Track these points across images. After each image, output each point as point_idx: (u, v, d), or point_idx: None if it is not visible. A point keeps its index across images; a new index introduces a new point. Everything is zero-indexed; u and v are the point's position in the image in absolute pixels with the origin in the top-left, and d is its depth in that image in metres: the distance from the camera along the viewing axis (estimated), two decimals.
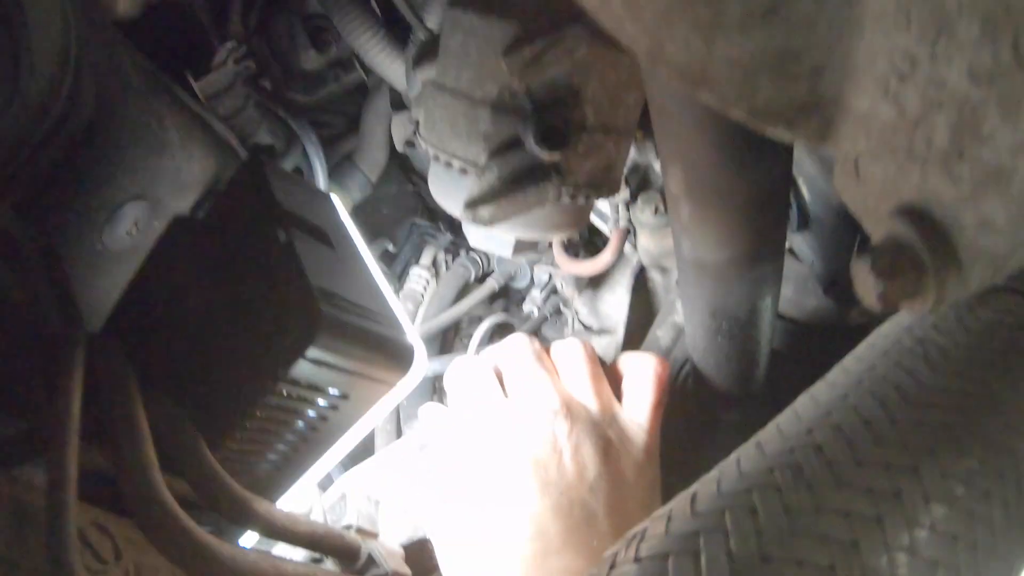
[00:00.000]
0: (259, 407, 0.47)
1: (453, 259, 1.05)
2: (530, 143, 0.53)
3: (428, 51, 0.64)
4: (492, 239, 0.66)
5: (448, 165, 0.60)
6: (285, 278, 0.48)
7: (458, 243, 1.09)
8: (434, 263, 1.05)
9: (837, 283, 0.76)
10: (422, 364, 0.51)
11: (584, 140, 0.57)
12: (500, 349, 0.60)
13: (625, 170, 0.87)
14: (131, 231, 0.71)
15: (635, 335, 0.91)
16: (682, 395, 0.85)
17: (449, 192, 0.62)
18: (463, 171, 0.59)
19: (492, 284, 0.99)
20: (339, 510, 0.72)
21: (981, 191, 0.28)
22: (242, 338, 0.48)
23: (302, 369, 0.45)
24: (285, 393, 0.47)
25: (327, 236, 0.55)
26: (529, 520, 0.48)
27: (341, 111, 1.08)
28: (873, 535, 0.33)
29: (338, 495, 0.80)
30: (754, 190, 0.46)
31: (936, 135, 0.28)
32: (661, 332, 0.89)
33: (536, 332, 1.02)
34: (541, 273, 0.98)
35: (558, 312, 1.03)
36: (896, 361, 0.41)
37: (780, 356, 0.85)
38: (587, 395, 0.54)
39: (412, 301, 1.00)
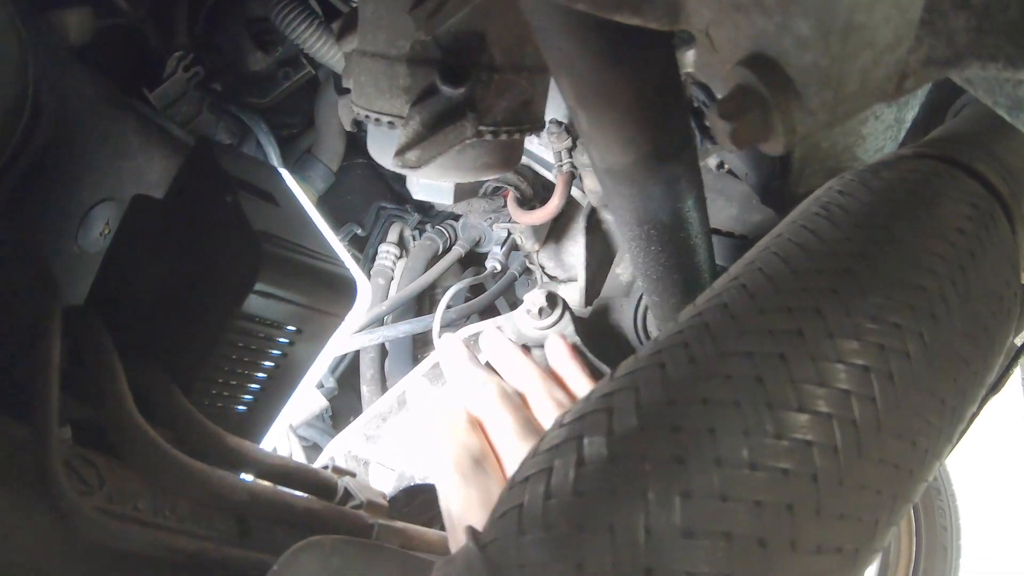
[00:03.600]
0: (222, 346, 0.52)
1: (421, 235, 1.10)
2: (439, 85, 0.58)
3: (349, 24, 0.69)
4: (432, 189, 0.70)
5: (378, 122, 0.65)
6: (232, 230, 0.53)
7: (425, 221, 1.14)
8: (401, 239, 1.10)
9: (770, 189, 0.80)
10: (366, 296, 0.55)
11: (495, 80, 0.62)
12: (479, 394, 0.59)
13: (564, 117, 0.92)
14: (104, 232, 0.77)
15: (598, 276, 0.95)
16: (643, 327, 0.89)
17: (384, 148, 0.67)
18: (391, 125, 0.64)
19: (458, 250, 1.03)
20: None
21: (788, 14, 0.31)
22: (200, 290, 0.53)
23: (254, 304, 0.50)
24: (244, 331, 0.52)
25: (271, 196, 0.60)
26: None
27: (298, 110, 1.14)
28: (777, 370, 0.35)
29: (327, 458, 0.84)
30: (639, 89, 0.50)
31: None
32: (620, 270, 0.93)
33: (508, 289, 1.07)
34: (500, 230, 1.03)
35: (527, 271, 1.08)
36: (800, 225, 0.43)
37: None
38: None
39: (383, 276, 1.05)
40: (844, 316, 0.37)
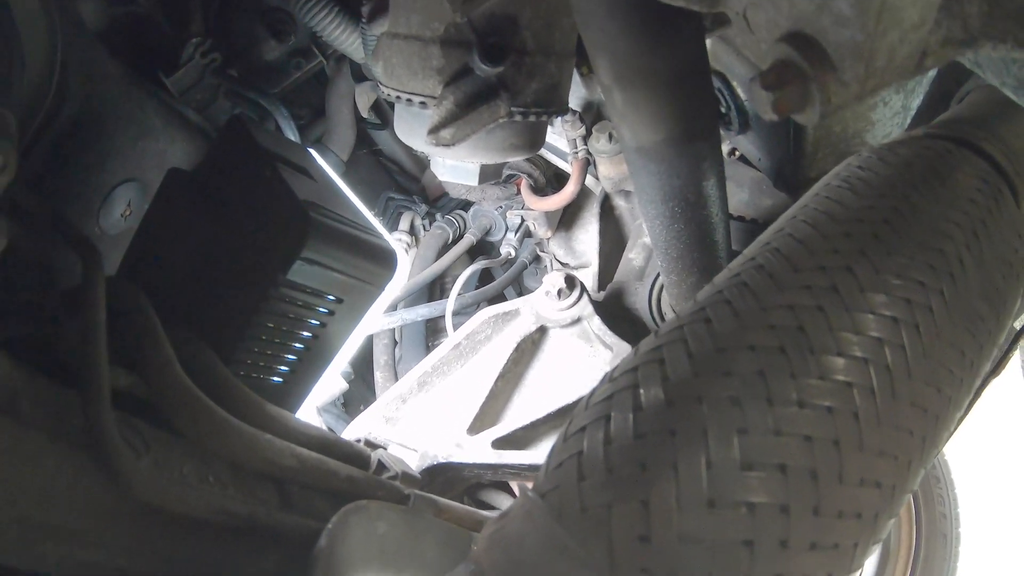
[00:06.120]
0: (262, 315, 0.52)
1: (431, 224, 1.11)
2: (476, 63, 0.60)
3: (379, 7, 0.71)
4: (458, 169, 0.72)
5: (409, 102, 0.66)
6: (275, 200, 0.54)
7: (433, 212, 1.15)
8: (412, 228, 1.11)
9: (782, 173, 0.82)
10: (404, 268, 0.56)
11: (527, 62, 0.64)
12: None
13: (578, 106, 0.94)
14: (125, 214, 0.77)
15: (610, 262, 0.97)
16: (658, 308, 0.91)
17: (413, 129, 0.68)
18: (423, 104, 0.65)
19: (470, 238, 1.05)
20: None
21: None
22: (242, 259, 0.54)
23: (299, 270, 0.51)
24: (286, 298, 0.52)
25: (307, 170, 0.61)
26: None
27: (306, 102, 1.14)
28: (816, 320, 0.38)
29: (353, 438, 0.85)
30: (673, 69, 0.52)
31: None
32: (633, 255, 0.95)
33: (517, 279, 1.09)
34: (513, 217, 1.04)
35: (537, 259, 1.09)
36: (825, 196, 0.46)
37: None
38: None
39: None
40: (873, 274, 0.40)
